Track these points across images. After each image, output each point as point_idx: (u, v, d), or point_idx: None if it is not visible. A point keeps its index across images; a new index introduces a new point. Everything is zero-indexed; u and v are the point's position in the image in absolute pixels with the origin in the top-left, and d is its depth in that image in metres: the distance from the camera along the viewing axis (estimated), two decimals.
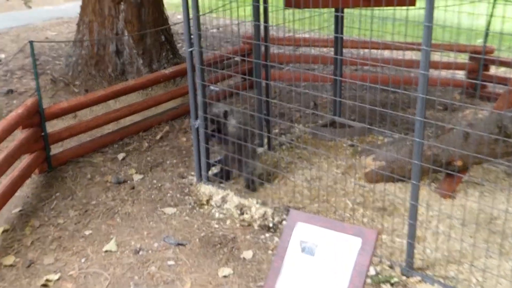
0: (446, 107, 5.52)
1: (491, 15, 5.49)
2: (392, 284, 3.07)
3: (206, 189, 4.03)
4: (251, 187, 3.93)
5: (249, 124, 3.94)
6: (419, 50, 2.75)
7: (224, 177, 4.09)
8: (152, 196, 4.15)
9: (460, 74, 6.37)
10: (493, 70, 6.11)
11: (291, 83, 6.13)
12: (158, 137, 5.20)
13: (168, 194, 4.16)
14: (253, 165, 3.94)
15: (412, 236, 3.04)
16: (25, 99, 5.67)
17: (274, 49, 6.95)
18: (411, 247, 3.07)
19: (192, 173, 4.42)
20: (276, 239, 3.54)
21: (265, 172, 3.88)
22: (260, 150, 4.47)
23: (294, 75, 6.13)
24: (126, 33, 6.50)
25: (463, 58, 6.40)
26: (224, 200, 3.88)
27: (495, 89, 5.63)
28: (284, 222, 3.57)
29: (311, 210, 3.66)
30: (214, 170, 4.24)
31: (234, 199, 3.84)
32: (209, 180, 4.11)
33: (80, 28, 6.72)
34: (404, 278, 3.10)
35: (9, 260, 3.42)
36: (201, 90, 3.85)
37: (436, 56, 5.49)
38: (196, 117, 3.96)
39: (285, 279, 2.37)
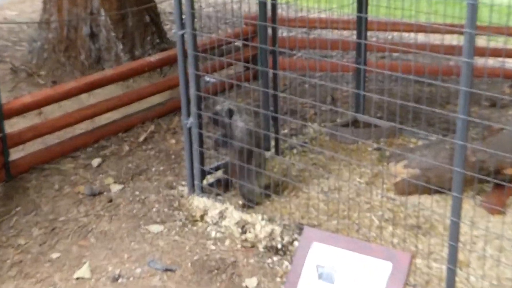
0: (495, 102, 5.51)
1: None
2: None
3: (200, 202, 4.03)
4: (254, 201, 3.94)
5: (261, 126, 3.94)
6: (461, 33, 2.75)
7: (222, 187, 4.09)
8: (134, 211, 4.15)
9: (511, 63, 6.36)
10: None
11: (304, 73, 6.14)
12: (141, 138, 5.21)
13: (154, 209, 4.17)
14: (258, 177, 3.94)
15: (453, 260, 3.03)
16: None
17: (283, 32, 6.96)
18: (452, 274, 3.06)
19: (183, 182, 4.43)
20: (286, 263, 3.54)
21: (273, 182, 3.89)
22: (266, 154, 4.47)
23: (307, 63, 6.14)
24: (102, 13, 6.52)
25: None
26: (222, 215, 3.89)
27: None
28: (296, 243, 3.57)
29: (329, 227, 3.66)
30: (210, 179, 4.25)
31: (234, 215, 3.85)
32: (203, 191, 4.12)
33: (46, 7, 6.75)
34: None
35: None
36: (195, 82, 3.86)
37: (481, 41, 5.48)
38: (188, 115, 3.97)
39: None
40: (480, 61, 5.79)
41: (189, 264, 3.57)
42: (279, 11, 4.52)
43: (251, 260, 3.58)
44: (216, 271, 3.50)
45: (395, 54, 6.71)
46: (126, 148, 5.06)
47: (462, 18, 2.81)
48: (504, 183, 3.48)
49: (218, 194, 4.09)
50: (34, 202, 4.27)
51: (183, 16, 3.77)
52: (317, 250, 2.45)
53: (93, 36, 6.54)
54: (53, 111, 5.42)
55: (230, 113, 3.88)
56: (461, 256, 3.28)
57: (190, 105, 3.94)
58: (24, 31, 7.98)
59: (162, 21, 7.37)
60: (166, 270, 3.53)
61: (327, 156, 4.46)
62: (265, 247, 3.65)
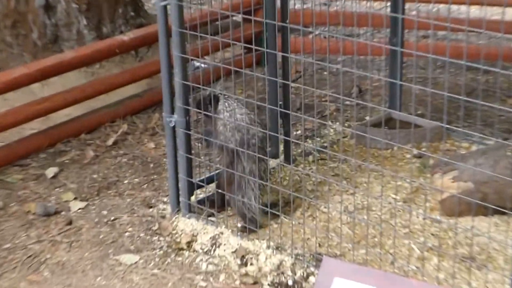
0: None
1: None
2: None
3: (186, 224, 4.04)
4: (257, 223, 3.94)
5: (259, 124, 3.95)
6: None
7: (216, 203, 4.09)
8: (101, 237, 4.16)
9: None
10: None
11: (324, 56, 6.14)
12: (110, 141, 5.22)
13: (126, 233, 4.17)
14: (263, 192, 3.94)
15: None
16: None
17: (295, 3, 6.96)
18: None
19: (165, 199, 4.43)
20: None
21: (281, 199, 3.89)
22: (273, 163, 4.46)
23: (327, 44, 6.13)
24: None
25: None
26: (215, 242, 3.89)
27: None
28: (312, 278, 3.57)
29: (355, 258, 3.66)
30: (200, 194, 4.24)
31: (231, 241, 3.85)
32: (191, 210, 4.12)
33: None
34: None
35: None
36: (181, 68, 3.86)
37: None
38: (172, 111, 3.97)
39: None
40: None
41: None
42: None
43: None
44: None
45: (441, 33, 6.70)
46: (91, 153, 5.06)
47: None
48: None
49: (210, 215, 4.09)
50: None
51: None
52: (339, 287, 2.45)
53: (48, 8, 6.55)
54: None
55: (215, 100, 3.89)
56: None
57: (174, 98, 3.94)
58: None
59: None
60: None
61: (352, 165, 4.45)
62: (272, 284, 3.64)
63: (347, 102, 5.39)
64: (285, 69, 4.46)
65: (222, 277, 3.75)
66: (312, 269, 3.59)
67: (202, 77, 3.98)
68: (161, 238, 4.09)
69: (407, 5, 5.08)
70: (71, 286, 3.75)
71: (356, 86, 5.87)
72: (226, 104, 3.90)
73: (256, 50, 3.87)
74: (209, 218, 4.06)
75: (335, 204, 4.08)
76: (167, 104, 3.98)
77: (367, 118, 5.18)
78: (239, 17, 5.96)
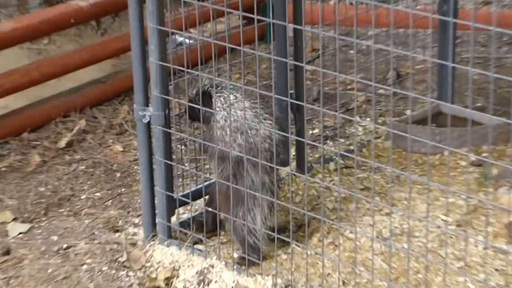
0: None
1: None
2: None
3: (165, 255, 4.05)
4: (260, 253, 3.95)
5: (269, 119, 3.96)
6: None
7: (206, 226, 4.09)
8: (49, 271, 4.16)
9: None
10: None
11: (349, 29, 6.15)
12: (63, 143, 5.22)
13: (84, 267, 4.17)
14: (269, 212, 3.97)
15: None
16: None
17: None
18: None
19: (137, 220, 4.45)
20: None
21: (293, 220, 3.89)
22: (283, 172, 4.46)
23: (354, 13, 6.14)
24: None
25: None
26: (204, 278, 3.89)
27: None
28: None
29: None
30: (184, 214, 4.25)
31: (225, 277, 3.86)
32: (172, 235, 4.12)
33: None
34: None
35: None
36: (158, 44, 3.87)
37: None
38: (146, 102, 3.97)
39: None
40: None
41: None
42: None
43: None
44: None
45: None
46: (36, 159, 5.07)
47: None
48: None
49: (197, 242, 4.10)
50: None
51: None
52: None
53: None
54: None
55: (206, 97, 3.90)
56: None
57: (149, 85, 3.95)
58: None
59: None
60: None
61: (388, 175, 4.46)
62: None
63: (381, 91, 5.40)
64: (298, 46, 4.46)
65: None
66: None
67: (186, 57, 3.99)
68: (131, 273, 4.09)
69: None
70: None
71: (393, 69, 5.87)
72: (222, 98, 3.89)
73: (259, 21, 3.87)
74: (196, 246, 4.07)
75: (365, 228, 4.09)
76: (140, 93, 3.98)
77: (408, 112, 5.19)
78: None
